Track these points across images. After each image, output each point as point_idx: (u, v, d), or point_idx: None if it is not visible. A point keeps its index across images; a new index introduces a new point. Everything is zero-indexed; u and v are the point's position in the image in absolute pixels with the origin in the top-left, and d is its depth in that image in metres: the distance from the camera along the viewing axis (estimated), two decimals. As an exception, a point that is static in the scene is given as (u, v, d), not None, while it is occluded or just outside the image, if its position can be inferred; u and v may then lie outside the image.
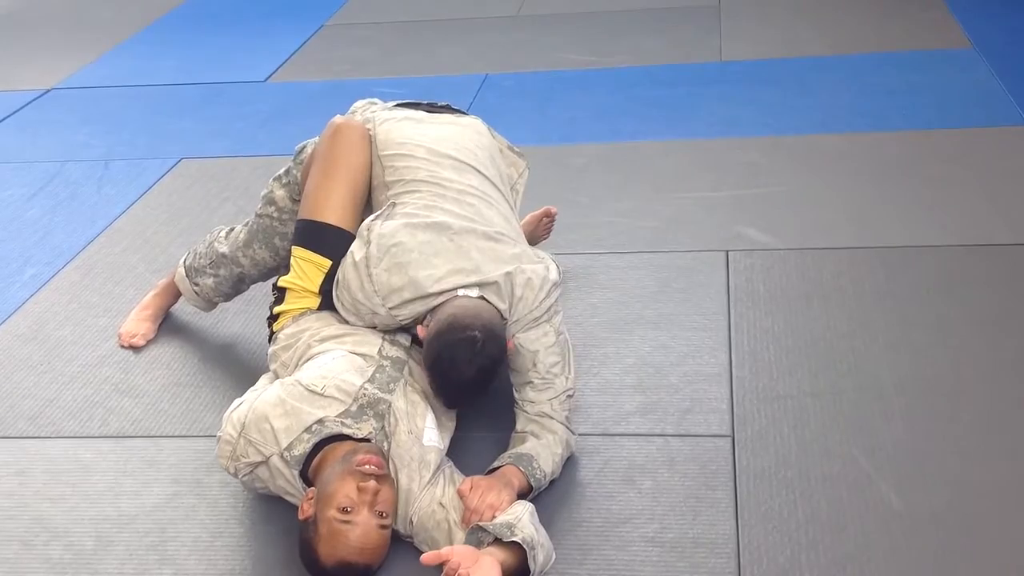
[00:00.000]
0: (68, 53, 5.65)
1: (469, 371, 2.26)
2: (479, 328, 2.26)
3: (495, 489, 2.21)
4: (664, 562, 2.19)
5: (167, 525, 2.39)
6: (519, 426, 2.44)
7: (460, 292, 2.38)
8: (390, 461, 2.25)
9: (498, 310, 2.38)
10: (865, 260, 3.18)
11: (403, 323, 2.46)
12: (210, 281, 2.94)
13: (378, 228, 2.45)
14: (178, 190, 3.99)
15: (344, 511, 2.08)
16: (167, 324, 3.12)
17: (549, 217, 3.21)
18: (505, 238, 2.50)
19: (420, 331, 2.37)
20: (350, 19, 5.84)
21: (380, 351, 2.42)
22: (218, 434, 2.30)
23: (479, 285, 2.39)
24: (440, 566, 2.05)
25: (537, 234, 3.20)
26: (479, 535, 2.15)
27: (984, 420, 2.52)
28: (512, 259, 2.45)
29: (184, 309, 3.15)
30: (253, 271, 2.87)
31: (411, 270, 2.39)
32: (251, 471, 2.27)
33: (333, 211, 2.54)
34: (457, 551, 2.06)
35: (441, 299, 2.39)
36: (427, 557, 2.06)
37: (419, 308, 2.41)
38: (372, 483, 2.10)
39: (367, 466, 2.12)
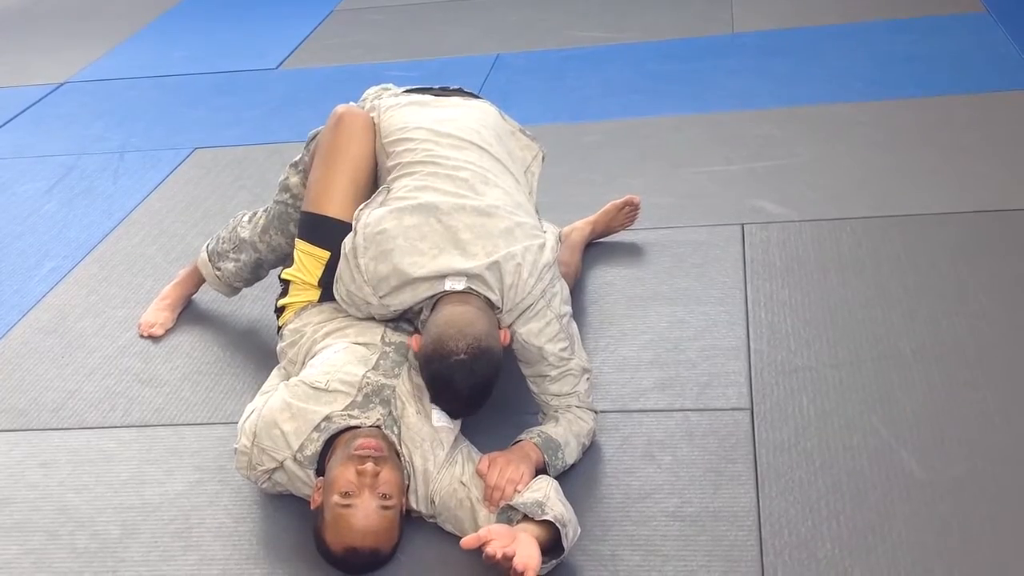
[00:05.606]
0: (80, 47, 5.67)
1: (463, 392, 2.18)
2: (466, 349, 2.15)
3: (513, 464, 2.22)
4: (685, 536, 2.19)
5: (191, 512, 2.41)
6: (548, 416, 2.42)
7: (448, 283, 2.30)
8: (403, 444, 2.26)
9: (489, 301, 2.31)
10: (882, 229, 3.16)
11: (396, 312, 2.42)
12: (231, 266, 2.95)
13: (365, 217, 2.41)
14: (193, 180, 4.00)
15: (345, 495, 2.10)
16: (186, 313, 3.13)
17: (632, 206, 3.18)
18: (499, 211, 2.39)
19: (413, 344, 2.29)
20: (360, 3, 5.83)
21: (383, 338, 2.42)
22: (234, 446, 2.32)
23: (466, 275, 2.30)
24: (478, 550, 2.05)
25: (618, 222, 3.19)
26: (509, 513, 2.16)
27: (1005, 387, 2.51)
28: (503, 234, 2.35)
29: (202, 297, 3.17)
30: (270, 256, 2.88)
31: (395, 257, 2.33)
32: (268, 477, 2.30)
33: (333, 203, 2.53)
34: (494, 531, 2.06)
35: (428, 288, 2.32)
36: (467, 541, 2.06)
37: (407, 297, 2.35)
38: (370, 465, 2.11)
39: (364, 449, 2.13)
